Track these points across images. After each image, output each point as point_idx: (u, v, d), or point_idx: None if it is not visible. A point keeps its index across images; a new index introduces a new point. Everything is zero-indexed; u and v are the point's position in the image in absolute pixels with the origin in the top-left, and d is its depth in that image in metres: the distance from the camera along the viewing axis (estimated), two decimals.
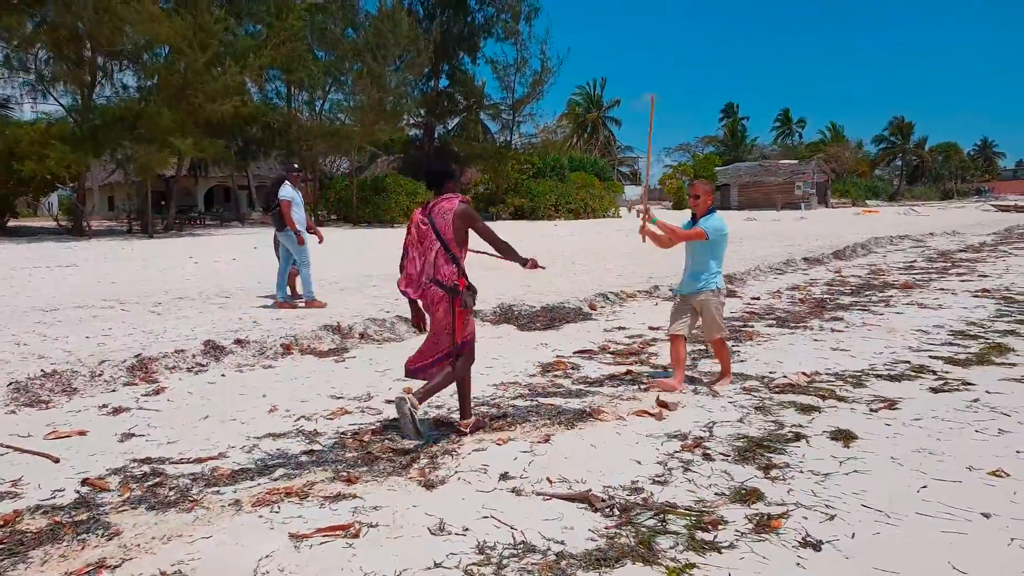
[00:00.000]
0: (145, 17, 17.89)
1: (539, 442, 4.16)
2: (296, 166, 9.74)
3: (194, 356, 6.10)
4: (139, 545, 2.95)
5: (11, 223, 23.25)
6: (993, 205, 51.37)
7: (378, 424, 4.57)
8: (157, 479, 3.68)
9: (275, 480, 3.68)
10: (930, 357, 6.13)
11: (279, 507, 3.31)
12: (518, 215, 33.94)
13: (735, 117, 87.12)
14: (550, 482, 3.57)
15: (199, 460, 3.97)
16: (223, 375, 5.88)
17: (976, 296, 9.65)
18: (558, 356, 6.56)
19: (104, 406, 4.95)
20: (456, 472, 3.72)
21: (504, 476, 3.65)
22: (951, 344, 6.64)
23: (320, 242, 9.12)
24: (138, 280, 11.63)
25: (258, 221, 30.17)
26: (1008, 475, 3.52)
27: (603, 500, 3.32)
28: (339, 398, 5.24)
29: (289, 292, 9.03)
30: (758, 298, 10.10)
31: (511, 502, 3.35)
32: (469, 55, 37.82)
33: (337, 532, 3.04)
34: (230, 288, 10.54)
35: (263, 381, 5.73)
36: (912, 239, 22.45)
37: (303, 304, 8.76)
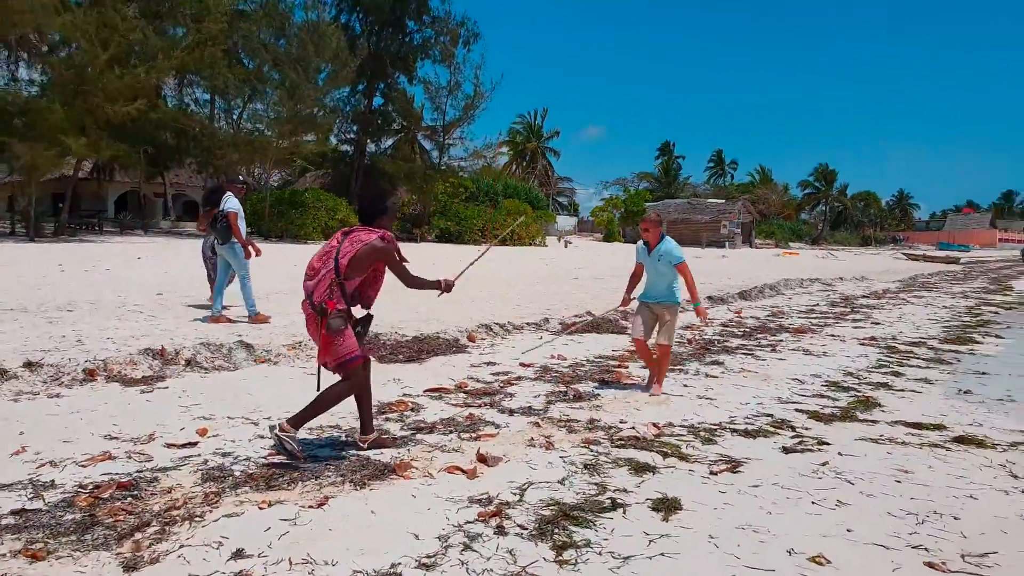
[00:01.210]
0: (36, 5, 16.54)
1: (311, 506, 3.49)
2: (241, 178, 9.32)
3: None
4: None
5: None
6: (904, 254, 53.63)
7: (132, 476, 3.81)
8: None
9: None
10: (796, 410, 5.75)
11: None
12: (444, 238, 33.33)
13: (671, 155, 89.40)
14: (290, 564, 2.90)
15: None
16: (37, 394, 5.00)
17: (863, 344, 9.50)
18: (404, 394, 5.91)
19: None
20: (182, 547, 3.01)
21: (238, 554, 2.96)
22: (822, 396, 6.31)
23: (257, 255, 8.62)
24: None
25: (165, 231, 28.59)
26: (828, 562, 3.05)
27: None
28: (113, 439, 4.44)
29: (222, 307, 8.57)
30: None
31: None
32: (405, 75, 37.28)
33: None
34: (80, 300, 9.51)
35: (34, 413, 4.88)
36: (822, 282, 22.82)
37: (247, 319, 8.42)
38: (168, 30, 24.69)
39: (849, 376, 7.24)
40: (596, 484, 3.93)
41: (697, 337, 9.76)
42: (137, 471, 3.91)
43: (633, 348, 6.85)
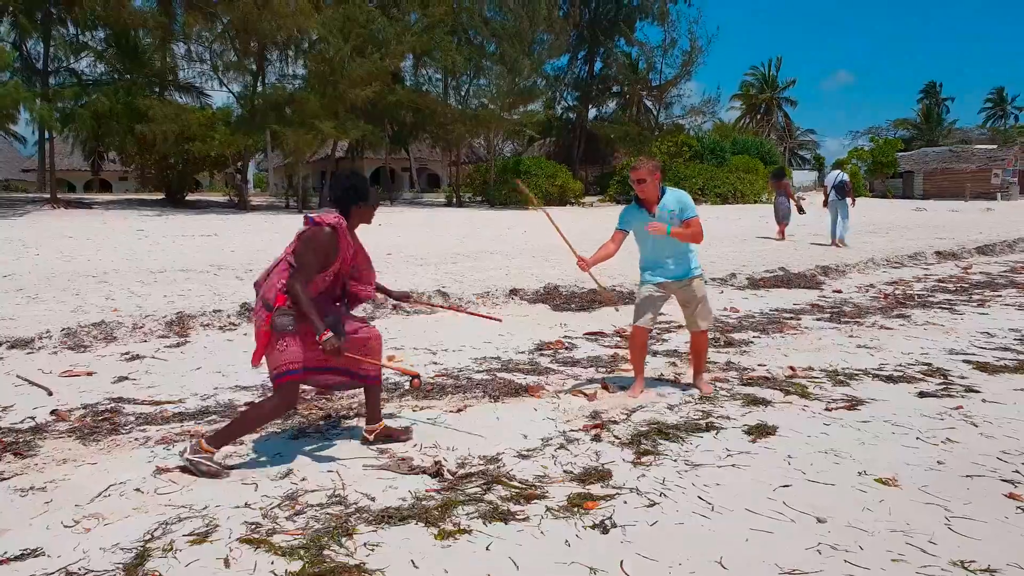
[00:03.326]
0: (297, 10, 19.80)
1: (451, 411, 4.33)
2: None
3: (228, 316, 6.88)
4: (37, 465, 3.50)
5: (190, 196, 26.77)
6: None
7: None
8: (110, 415, 4.26)
9: (197, 423, 4.16)
10: (963, 361, 5.41)
11: (173, 446, 3.77)
12: None
13: (935, 97, 77.86)
14: (421, 448, 3.74)
15: (155, 403, 4.54)
16: (245, 334, 6.58)
17: None
18: (564, 336, 6.58)
19: (126, 353, 5.78)
20: (348, 427, 4.00)
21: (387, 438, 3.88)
22: (1007, 349, 5.79)
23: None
24: (252, 251, 12.97)
25: (408, 201, 32.04)
26: (895, 485, 3.17)
27: (439, 466, 3.45)
28: None
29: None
30: (839, 291, 9.29)
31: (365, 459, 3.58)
32: (625, 37, 37.27)
33: None
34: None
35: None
36: None
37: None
38: (401, 17, 27.55)
39: None
40: (703, 411, 4.28)
41: (897, 293, 9.11)
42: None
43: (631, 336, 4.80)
